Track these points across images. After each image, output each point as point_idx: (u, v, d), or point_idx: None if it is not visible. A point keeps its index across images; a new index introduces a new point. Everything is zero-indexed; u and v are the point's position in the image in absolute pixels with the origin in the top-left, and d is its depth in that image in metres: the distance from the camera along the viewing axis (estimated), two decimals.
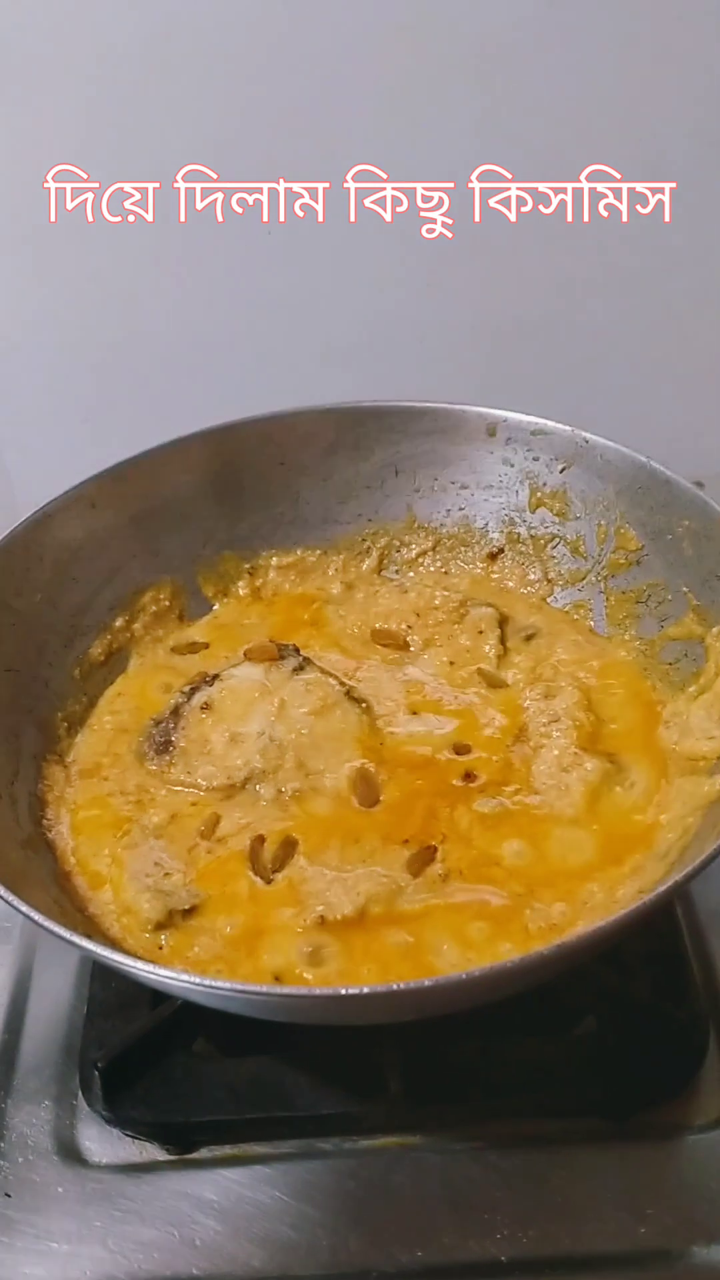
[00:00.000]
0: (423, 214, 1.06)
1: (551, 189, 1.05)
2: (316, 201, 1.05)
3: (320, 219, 1.06)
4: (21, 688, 0.83)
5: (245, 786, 0.80)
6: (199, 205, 1.05)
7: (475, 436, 0.94)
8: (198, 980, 0.61)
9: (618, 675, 0.87)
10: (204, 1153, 0.74)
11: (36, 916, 0.62)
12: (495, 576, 0.97)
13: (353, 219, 1.06)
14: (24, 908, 0.63)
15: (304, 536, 0.98)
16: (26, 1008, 0.83)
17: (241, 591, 0.97)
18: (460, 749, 0.82)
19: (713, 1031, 0.78)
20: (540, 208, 1.06)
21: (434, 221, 1.07)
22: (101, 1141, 0.75)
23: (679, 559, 0.85)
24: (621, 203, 1.06)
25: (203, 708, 0.83)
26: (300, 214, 1.05)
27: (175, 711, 0.84)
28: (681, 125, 1.03)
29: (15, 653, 0.83)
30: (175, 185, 1.04)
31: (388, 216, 1.06)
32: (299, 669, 0.85)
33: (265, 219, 1.06)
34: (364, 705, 0.84)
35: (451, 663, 0.89)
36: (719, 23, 0.98)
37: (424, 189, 1.05)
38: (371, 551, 0.98)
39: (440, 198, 1.05)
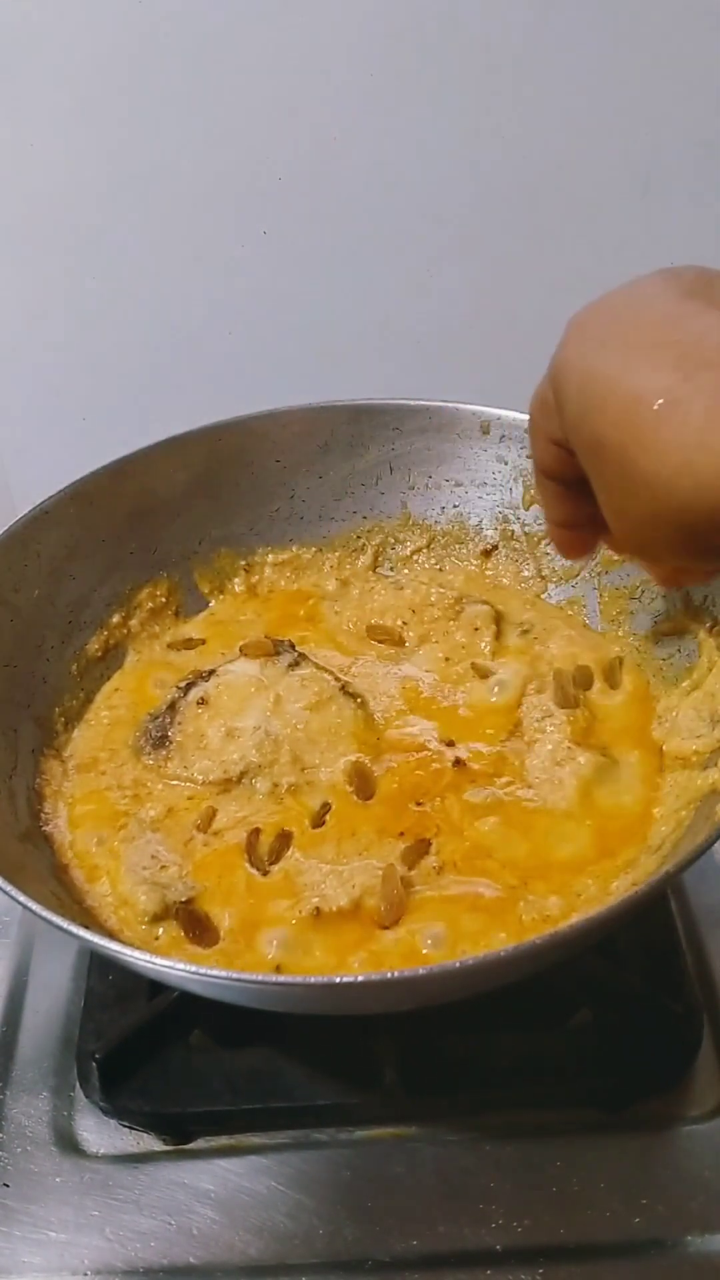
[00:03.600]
0: (421, 213, 1.07)
1: (551, 189, 1.06)
2: (315, 200, 1.05)
3: (318, 218, 1.06)
4: (19, 683, 0.83)
5: (241, 781, 0.80)
6: (198, 205, 1.05)
7: (469, 434, 0.94)
8: (194, 969, 0.61)
9: (612, 670, 0.88)
10: (201, 1143, 0.75)
11: (35, 908, 0.62)
12: (490, 573, 0.97)
13: (351, 218, 1.07)
14: (23, 899, 0.63)
15: (299, 533, 0.98)
16: (25, 1000, 0.84)
17: (237, 588, 0.98)
18: (454, 744, 0.82)
19: (707, 1024, 0.79)
20: (540, 207, 1.07)
21: (431, 220, 1.07)
22: (99, 1132, 0.76)
23: None
24: (621, 202, 1.07)
25: (199, 703, 0.83)
26: (298, 213, 1.06)
27: (172, 707, 0.84)
28: (683, 126, 1.04)
29: (13, 648, 0.83)
30: (175, 186, 1.04)
31: (386, 216, 1.07)
32: (295, 664, 0.85)
33: (263, 218, 1.07)
34: (359, 700, 0.84)
35: (447, 659, 0.89)
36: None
37: (423, 188, 1.06)
38: (366, 548, 0.99)
39: (439, 197, 1.06)
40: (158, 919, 0.72)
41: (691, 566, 0.59)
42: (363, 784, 0.79)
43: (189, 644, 0.94)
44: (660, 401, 0.51)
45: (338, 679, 0.85)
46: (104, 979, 0.80)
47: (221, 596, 0.98)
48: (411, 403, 0.95)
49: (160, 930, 0.72)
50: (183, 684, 0.86)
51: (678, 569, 0.66)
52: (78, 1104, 0.77)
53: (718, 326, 0.52)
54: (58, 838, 0.79)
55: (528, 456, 0.92)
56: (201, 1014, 0.77)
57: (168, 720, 0.84)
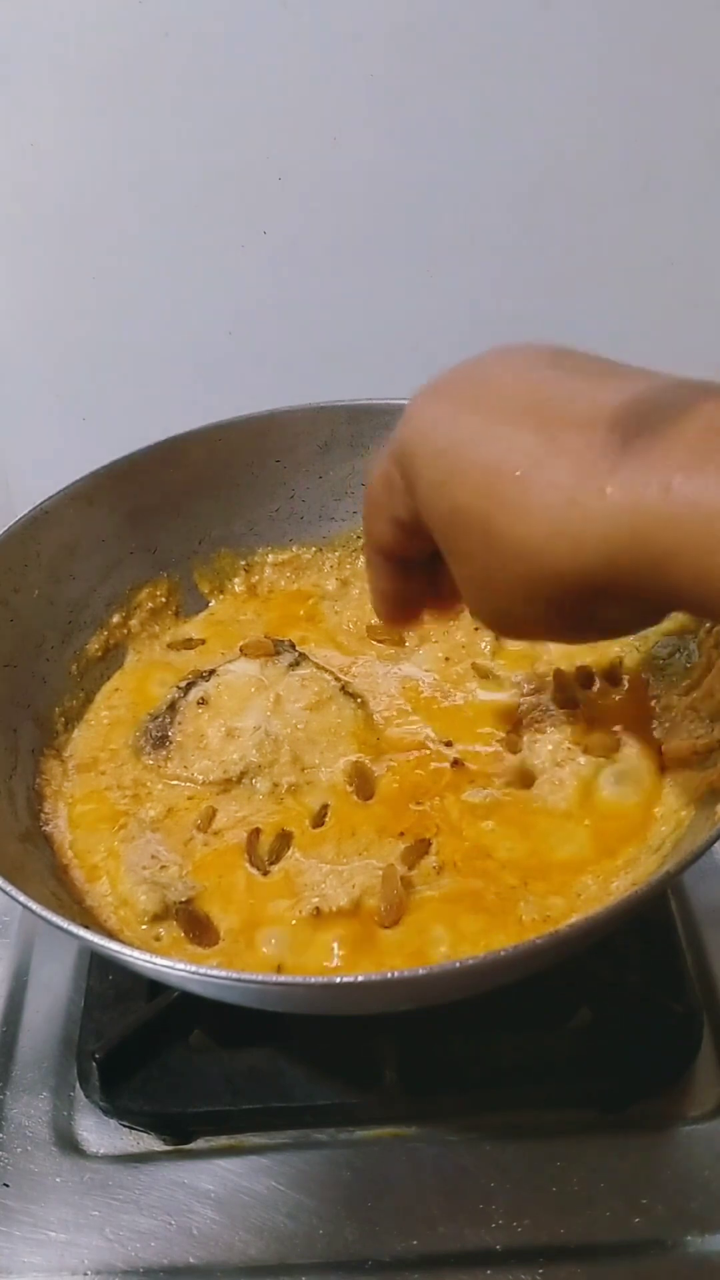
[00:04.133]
0: (421, 213, 1.07)
1: (551, 189, 1.06)
2: (315, 200, 1.05)
3: (318, 218, 1.06)
4: (19, 683, 0.83)
5: (241, 781, 0.80)
6: (198, 205, 1.05)
7: None
8: (194, 969, 0.61)
9: (612, 670, 0.88)
10: (201, 1143, 0.75)
11: (35, 908, 0.62)
12: None
13: (351, 218, 1.07)
14: (23, 899, 0.63)
15: (300, 533, 0.98)
16: (25, 1000, 0.84)
17: (237, 588, 0.98)
18: (454, 743, 0.82)
19: (707, 1023, 0.79)
20: (540, 207, 1.07)
21: (432, 220, 1.07)
22: (99, 1132, 0.76)
23: None
24: (621, 202, 1.06)
25: (199, 703, 0.83)
26: (298, 213, 1.06)
27: (172, 707, 0.84)
28: (684, 124, 1.04)
29: (13, 649, 0.83)
30: (175, 185, 1.04)
31: (386, 216, 1.07)
32: (295, 664, 0.85)
33: (263, 218, 1.06)
34: (359, 700, 0.84)
35: (447, 659, 0.89)
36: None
37: (423, 188, 1.06)
38: None
39: (439, 197, 1.06)
40: (158, 919, 0.72)
41: (562, 642, 0.57)
42: (363, 784, 0.79)
43: (189, 644, 0.94)
44: (524, 466, 0.49)
45: (338, 679, 0.85)
46: (104, 979, 0.81)
47: (221, 596, 0.98)
48: None
49: (160, 930, 0.72)
50: (183, 684, 0.86)
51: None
52: (78, 1104, 0.77)
53: (582, 392, 0.51)
54: (58, 838, 0.79)
55: None
56: (201, 1014, 0.77)
57: (168, 720, 0.84)
